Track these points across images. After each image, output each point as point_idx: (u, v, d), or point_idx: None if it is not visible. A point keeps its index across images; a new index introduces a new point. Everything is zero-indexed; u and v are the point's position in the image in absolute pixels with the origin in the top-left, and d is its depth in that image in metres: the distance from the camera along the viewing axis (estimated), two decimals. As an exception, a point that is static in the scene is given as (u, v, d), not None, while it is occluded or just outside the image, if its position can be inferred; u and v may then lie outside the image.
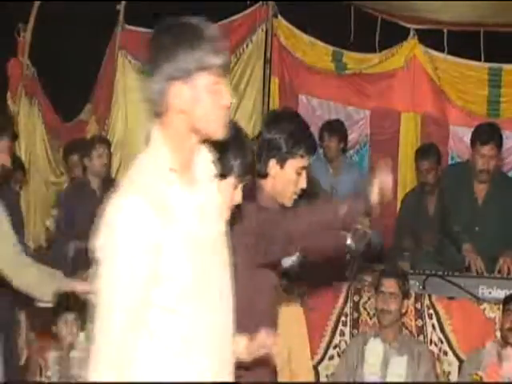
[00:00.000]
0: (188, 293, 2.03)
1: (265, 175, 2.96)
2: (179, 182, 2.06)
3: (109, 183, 5.85)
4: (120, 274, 1.96)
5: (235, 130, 2.57)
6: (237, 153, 2.50)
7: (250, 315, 2.61)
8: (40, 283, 3.41)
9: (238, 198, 2.48)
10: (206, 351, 2.07)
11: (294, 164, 2.96)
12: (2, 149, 3.84)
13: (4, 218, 3.54)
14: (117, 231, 1.96)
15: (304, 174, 2.99)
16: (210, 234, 2.13)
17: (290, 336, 4.39)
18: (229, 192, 2.41)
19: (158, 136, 2.08)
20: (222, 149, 2.44)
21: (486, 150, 4.96)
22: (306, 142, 2.99)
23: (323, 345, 4.82)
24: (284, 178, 2.97)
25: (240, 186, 2.50)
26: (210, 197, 2.16)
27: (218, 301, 2.12)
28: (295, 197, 3.00)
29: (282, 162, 2.95)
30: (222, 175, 2.40)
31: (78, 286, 3.38)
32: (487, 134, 5.04)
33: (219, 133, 2.09)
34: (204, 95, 2.04)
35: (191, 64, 2.02)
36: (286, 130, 2.95)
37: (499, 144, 5.07)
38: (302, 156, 2.97)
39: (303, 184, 2.99)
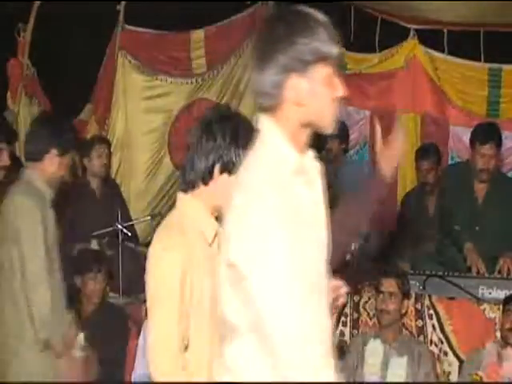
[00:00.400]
0: (314, 288, 1.98)
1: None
2: (303, 181, 2.02)
3: (108, 183, 5.86)
4: (290, 268, 1.90)
5: (237, 117, 2.52)
6: (246, 143, 2.35)
7: None
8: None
9: None
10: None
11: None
12: None
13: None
14: (271, 236, 1.90)
15: None
16: (325, 231, 2.09)
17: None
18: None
19: (272, 130, 2.02)
20: (231, 141, 2.43)
21: (486, 149, 4.96)
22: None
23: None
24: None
25: None
26: (322, 195, 2.11)
27: (325, 296, 2.08)
28: None
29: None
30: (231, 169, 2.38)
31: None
32: (486, 133, 5.04)
33: (331, 126, 2.04)
34: (321, 88, 1.99)
35: (309, 55, 1.95)
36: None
37: (498, 143, 5.07)
38: None
39: None
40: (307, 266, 1.96)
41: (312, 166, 2.11)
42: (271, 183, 1.94)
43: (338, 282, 2.35)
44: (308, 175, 2.06)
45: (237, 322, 1.98)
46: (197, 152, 2.47)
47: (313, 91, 1.98)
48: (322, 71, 1.99)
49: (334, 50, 2.00)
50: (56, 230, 3.77)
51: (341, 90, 2.03)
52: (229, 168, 2.45)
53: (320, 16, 2.03)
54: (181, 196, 2.54)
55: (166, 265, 2.39)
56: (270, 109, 2.01)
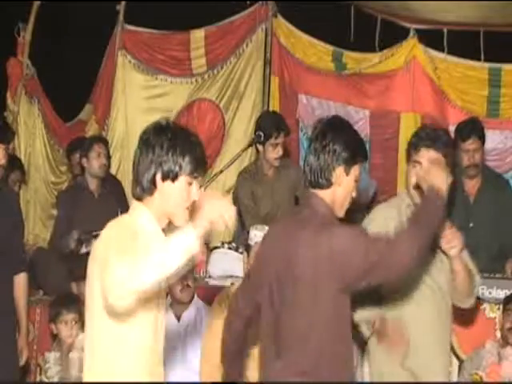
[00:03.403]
0: None
1: (329, 185, 2.90)
2: None
3: (110, 182, 5.86)
4: None
5: (174, 128, 2.64)
6: (183, 150, 2.57)
7: None
8: None
9: (194, 195, 2.56)
10: None
11: (356, 171, 2.93)
12: None
13: None
14: None
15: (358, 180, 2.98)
16: None
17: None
18: (184, 191, 2.55)
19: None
20: (168, 150, 2.56)
21: (468, 144, 4.97)
22: (363, 148, 3.01)
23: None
24: (348, 186, 2.92)
25: (195, 183, 2.58)
26: None
27: None
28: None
29: (348, 170, 2.90)
30: (174, 177, 2.55)
31: None
32: (467, 128, 5.07)
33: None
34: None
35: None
36: (343, 136, 2.92)
37: (481, 136, 5.08)
38: (361, 162, 2.96)
39: (355, 191, 2.97)
40: None
41: None
42: None
43: None
44: None
45: None
46: (139, 165, 2.63)
47: None
48: None
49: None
50: None
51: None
52: (170, 176, 2.59)
53: None
54: (135, 204, 2.68)
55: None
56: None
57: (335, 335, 2.79)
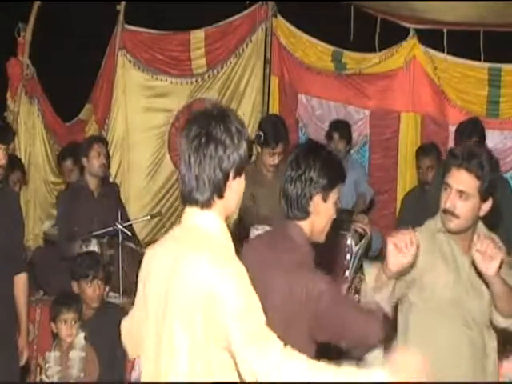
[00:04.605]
0: None
1: (306, 216, 2.82)
2: None
3: (107, 183, 5.86)
4: None
5: None
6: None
7: None
8: None
9: None
10: None
11: (334, 196, 2.85)
12: None
13: None
14: None
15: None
16: None
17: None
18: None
19: None
20: None
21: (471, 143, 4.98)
22: (341, 170, 2.89)
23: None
24: (327, 213, 2.85)
25: None
26: None
27: None
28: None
29: (325, 197, 2.82)
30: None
31: None
32: (469, 129, 5.08)
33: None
34: None
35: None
36: (318, 162, 2.81)
37: (482, 137, 5.08)
38: (339, 186, 2.87)
39: (334, 214, 2.89)
40: None
41: None
42: None
43: None
44: None
45: None
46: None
47: None
48: None
49: None
50: None
51: None
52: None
53: None
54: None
55: None
56: None
57: None
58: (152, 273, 2.48)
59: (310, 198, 2.80)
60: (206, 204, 2.41)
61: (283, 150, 5.28)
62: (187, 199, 2.44)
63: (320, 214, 2.82)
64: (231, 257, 2.37)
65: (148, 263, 2.52)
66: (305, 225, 2.83)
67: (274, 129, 5.21)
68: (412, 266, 2.89)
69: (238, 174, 2.42)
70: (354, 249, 4.44)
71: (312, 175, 2.79)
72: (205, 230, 2.41)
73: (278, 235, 2.89)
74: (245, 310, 2.27)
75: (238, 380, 2.32)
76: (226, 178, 2.39)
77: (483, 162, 2.94)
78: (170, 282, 2.38)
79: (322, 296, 2.66)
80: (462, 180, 2.95)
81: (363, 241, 4.56)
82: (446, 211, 3.00)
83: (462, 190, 2.96)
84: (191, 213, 2.44)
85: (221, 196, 2.40)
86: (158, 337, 2.41)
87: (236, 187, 2.43)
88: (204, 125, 2.39)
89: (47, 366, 4.37)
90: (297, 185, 2.80)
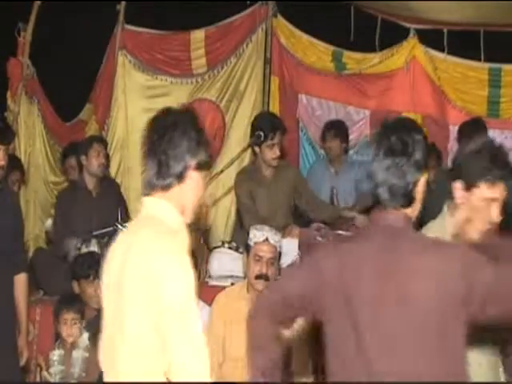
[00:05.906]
0: None
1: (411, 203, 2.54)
2: None
3: (107, 183, 5.86)
4: None
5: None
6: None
7: None
8: None
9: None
10: None
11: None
12: None
13: None
14: None
15: None
16: None
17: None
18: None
19: None
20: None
21: None
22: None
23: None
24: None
25: None
26: None
27: None
28: None
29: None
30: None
31: None
32: (471, 128, 5.08)
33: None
34: None
35: None
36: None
37: (485, 136, 5.09)
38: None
39: None
40: None
41: None
42: None
43: None
44: None
45: None
46: None
47: None
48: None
49: None
50: None
51: None
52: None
53: None
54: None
55: None
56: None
57: None
58: (108, 262, 2.57)
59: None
60: (166, 187, 2.48)
61: (280, 141, 5.29)
62: (146, 187, 2.52)
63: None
64: (181, 246, 2.42)
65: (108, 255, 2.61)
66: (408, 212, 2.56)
67: (267, 121, 5.34)
68: None
69: (199, 167, 2.50)
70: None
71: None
72: (158, 218, 2.48)
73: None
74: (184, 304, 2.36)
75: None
76: (187, 165, 2.47)
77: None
78: (122, 270, 2.45)
79: (486, 266, 2.42)
80: (502, 190, 2.91)
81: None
82: (492, 223, 2.92)
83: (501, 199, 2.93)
84: (148, 202, 2.53)
85: (181, 179, 2.47)
86: (113, 326, 2.49)
87: (196, 179, 2.50)
88: (172, 118, 2.52)
89: (51, 362, 4.38)
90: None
